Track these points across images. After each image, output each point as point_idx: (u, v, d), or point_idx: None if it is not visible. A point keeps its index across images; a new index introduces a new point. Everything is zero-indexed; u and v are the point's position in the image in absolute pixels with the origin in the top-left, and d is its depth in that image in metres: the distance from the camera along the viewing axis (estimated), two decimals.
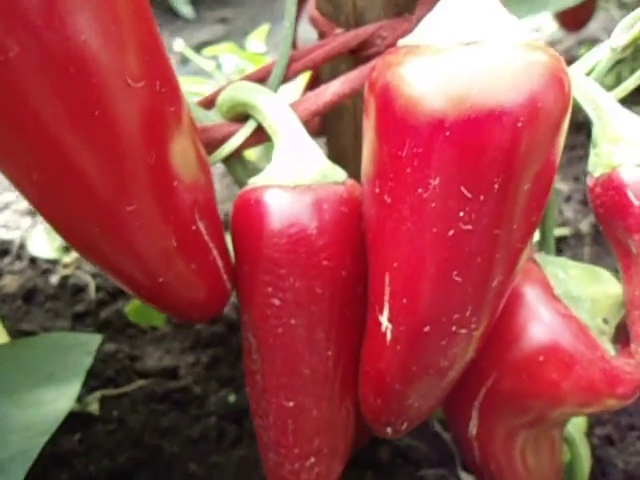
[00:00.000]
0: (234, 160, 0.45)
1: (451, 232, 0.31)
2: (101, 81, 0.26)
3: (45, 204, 0.30)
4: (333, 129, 0.60)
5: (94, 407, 0.79)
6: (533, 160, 0.30)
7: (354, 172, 0.62)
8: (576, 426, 0.58)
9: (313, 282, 0.38)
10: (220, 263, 0.39)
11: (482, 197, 0.30)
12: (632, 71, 0.45)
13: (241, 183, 0.47)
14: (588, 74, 0.43)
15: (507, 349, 0.40)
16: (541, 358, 0.39)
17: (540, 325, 0.40)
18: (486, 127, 0.29)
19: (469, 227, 0.31)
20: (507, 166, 0.30)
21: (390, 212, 0.33)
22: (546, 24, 1.57)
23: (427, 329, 0.34)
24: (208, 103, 0.46)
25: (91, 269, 0.97)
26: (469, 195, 0.30)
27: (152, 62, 0.29)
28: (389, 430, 0.41)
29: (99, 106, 0.27)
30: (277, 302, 0.39)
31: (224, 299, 0.40)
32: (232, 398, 0.83)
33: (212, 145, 0.44)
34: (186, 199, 0.34)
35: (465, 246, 0.31)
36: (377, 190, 0.33)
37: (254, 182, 0.41)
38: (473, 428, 0.44)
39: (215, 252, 0.38)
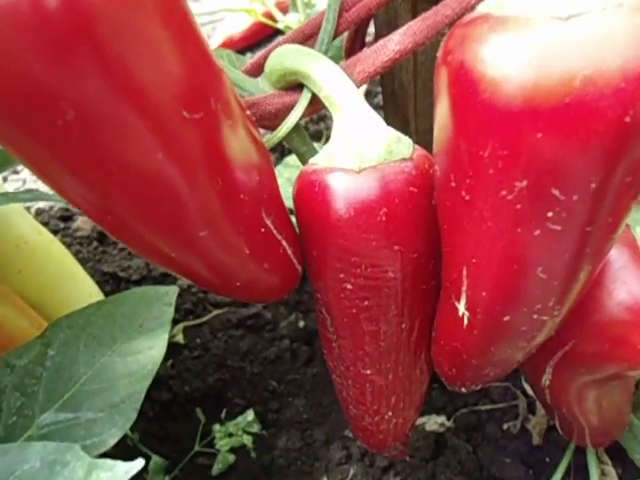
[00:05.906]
0: (290, 131, 0.42)
1: (537, 232, 0.29)
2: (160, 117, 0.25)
3: (126, 235, 0.30)
4: None
5: (179, 337, 0.88)
6: None
7: (416, 110, 0.57)
8: None
9: (385, 267, 0.38)
10: (290, 250, 0.39)
11: (575, 197, 0.27)
12: None
13: (299, 152, 0.44)
14: None
15: (589, 315, 0.39)
16: (625, 323, 0.38)
17: (626, 290, 0.38)
18: (588, 122, 0.25)
19: (557, 227, 0.28)
20: (609, 163, 0.26)
21: (469, 210, 0.30)
22: None
23: (507, 318, 0.34)
24: (254, 69, 0.42)
25: None
26: (561, 197, 0.27)
27: (203, 85, 0.27)
28: (463, 389, 0.43)
29: (162, 149, 0.25)
30: (349, 286, 0.39)
31: (296, 280, 0.41)
32: (301, 323, 0.88)
33: (265, 119, 0.41)
34: (253, 205, 0.33)
35: (552, 244, 0.29)
36: (453, 184, 0.31)
37: (316, 162, 0.39)
38: (546, 380, 0.45)
39: (284, 243, 0.38)
